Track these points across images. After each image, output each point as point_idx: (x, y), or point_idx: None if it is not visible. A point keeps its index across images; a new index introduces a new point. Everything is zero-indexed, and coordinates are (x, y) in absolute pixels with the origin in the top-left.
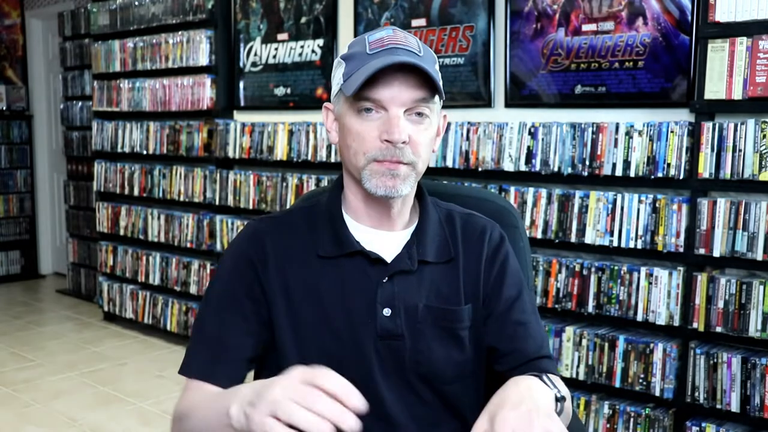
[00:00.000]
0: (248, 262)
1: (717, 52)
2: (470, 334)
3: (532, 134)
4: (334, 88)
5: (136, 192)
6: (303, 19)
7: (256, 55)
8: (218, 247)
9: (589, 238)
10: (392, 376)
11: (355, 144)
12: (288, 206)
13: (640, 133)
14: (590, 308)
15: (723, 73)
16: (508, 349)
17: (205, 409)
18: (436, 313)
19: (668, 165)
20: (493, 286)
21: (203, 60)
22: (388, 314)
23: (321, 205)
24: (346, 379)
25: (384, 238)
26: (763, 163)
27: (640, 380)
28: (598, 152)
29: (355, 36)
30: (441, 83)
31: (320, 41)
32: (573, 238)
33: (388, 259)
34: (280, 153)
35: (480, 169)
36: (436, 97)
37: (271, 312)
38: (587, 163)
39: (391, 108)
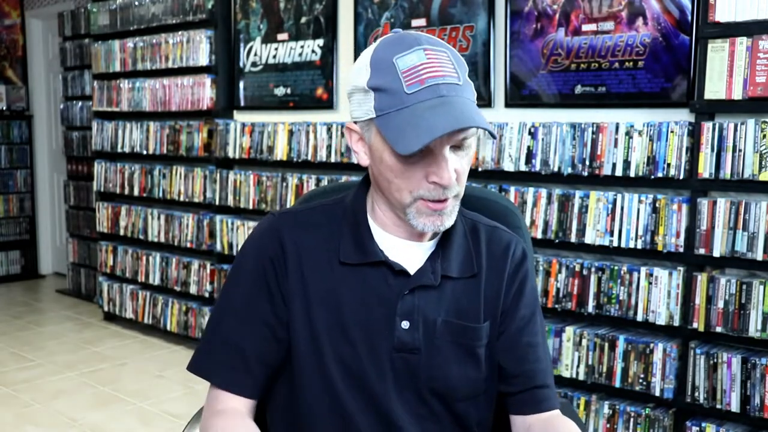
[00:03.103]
0: (266, 260)
1: (717, 52)
2: (486, 351)
3: (532, 134)
4: (359, 114)
5: (136, 192)
6: (303, 19)
7: (256, 55)
8: (218, 247)
9: (589, 238)
10: (406, 389)
11: (398, 181)
12: (288, 206)
13: (640, 133)
14: (590, 308)
15: (723, 73)
16: (516, 371)
17: None
18: (455, 329)
19: (668, 165)
20: (510, 304)
21: (203, 60)
22: (407, 327)
23: (345, 205)
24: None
25: (409, 248)
26: (763, 163)
27: (640, 380)
28: (598, 152)
29: (355, 36)
30: (481, 113)
31: (320, 41)
32: (573, 238)
33: (411, 270)
34: (280, 153)
35: (480, 169)
36: None
37: (288, 312)
38: (587, 163)
39: (437, 149)
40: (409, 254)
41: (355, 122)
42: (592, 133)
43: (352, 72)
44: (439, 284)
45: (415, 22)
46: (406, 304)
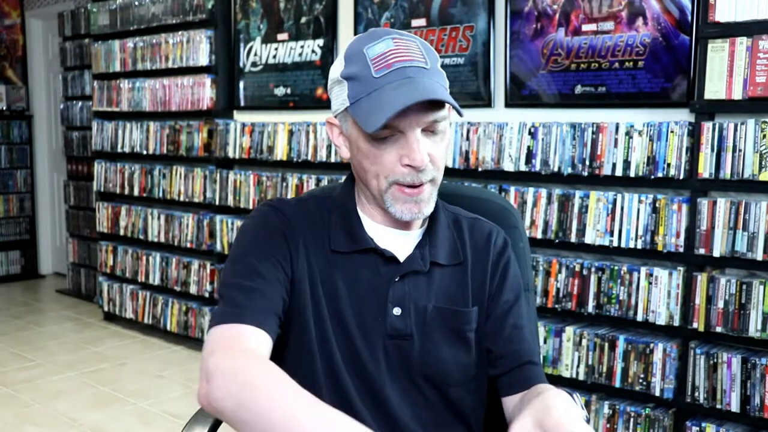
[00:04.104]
0: (278, 230)
1: (717, 52)
2: (475, 336)
3: (532, 134)
4: (337, 106)
5: (136, 192)
6: (303, 19)
7: (256, 55)
8: (218, 247)
9: (589, 238)
10: (399, 375)
11: (373, 167)
12: None
13: (640, 133)
14: (590, 308)
15: (723, 73)
16: (503, 351)
17: (290, 406)
18: (445, 314)
19: (668, 165)
20: (495, 290)
21: (203, 60)
22: (398, 313)
23: (334, 198)
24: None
25: (397, 236)
26: (763, 163)
27: (640, 380)
28: (598, 152)
29: (355, 36)
30: (450, 95)
31: (320, 41)
32: (573, 238)
33: (401, 258)
34: (280, 153)
35: (480, 169)
36: (447, 107)
37: (296, 293)
38: (587, 163)
39: (408, 131)
40: (398, 243)
41: (335, 116)
42: (592, 133)
43: (331, 69)
44: (429, 271)
45: (415, 22)
46: (397, 290)
